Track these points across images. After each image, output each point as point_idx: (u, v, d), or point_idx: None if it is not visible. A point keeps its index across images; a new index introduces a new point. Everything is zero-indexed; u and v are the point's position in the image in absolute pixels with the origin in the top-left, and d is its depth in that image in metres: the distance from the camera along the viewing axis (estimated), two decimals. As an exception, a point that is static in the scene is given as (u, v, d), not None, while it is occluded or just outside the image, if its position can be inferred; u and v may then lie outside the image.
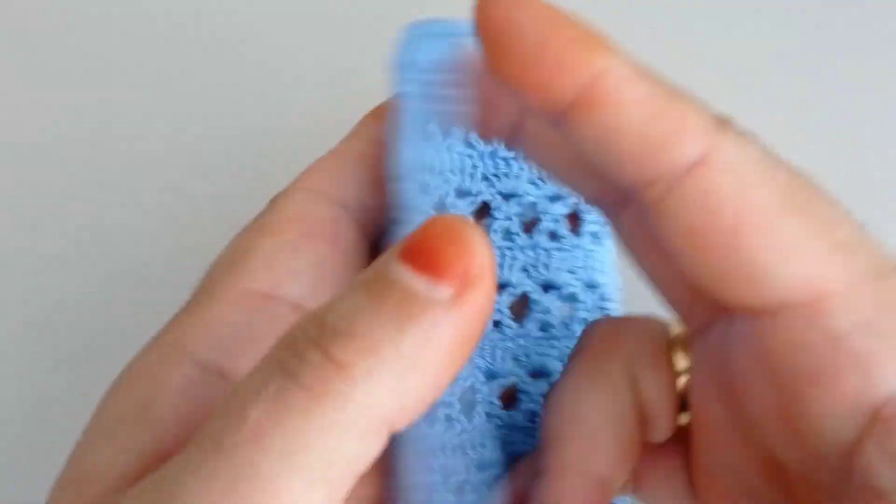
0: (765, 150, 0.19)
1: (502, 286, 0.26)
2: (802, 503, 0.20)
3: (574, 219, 0.27)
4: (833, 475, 0.19)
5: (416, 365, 0.17)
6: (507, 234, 0.26)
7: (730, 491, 0.22)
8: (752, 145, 0.19)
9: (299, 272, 0.22)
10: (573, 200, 0.27)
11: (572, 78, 0.18)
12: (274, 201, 0.24)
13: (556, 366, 0.26)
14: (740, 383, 0.20)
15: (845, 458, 0.18)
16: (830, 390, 0.18)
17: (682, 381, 0.23)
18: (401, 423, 0.17)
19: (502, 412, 0.25)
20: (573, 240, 0.27)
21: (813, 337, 0.18)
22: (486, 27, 0.18)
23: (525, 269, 0.26)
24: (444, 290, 0.17)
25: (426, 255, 0.17)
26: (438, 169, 0.24)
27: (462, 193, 0.25)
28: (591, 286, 0.27)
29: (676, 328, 0.24)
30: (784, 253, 0.18)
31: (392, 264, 0.17)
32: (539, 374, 0.26)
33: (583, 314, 0.26)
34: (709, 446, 0.22)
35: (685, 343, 0.23)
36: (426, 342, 0.17)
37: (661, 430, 0.23)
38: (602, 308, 0.27)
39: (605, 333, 0.24)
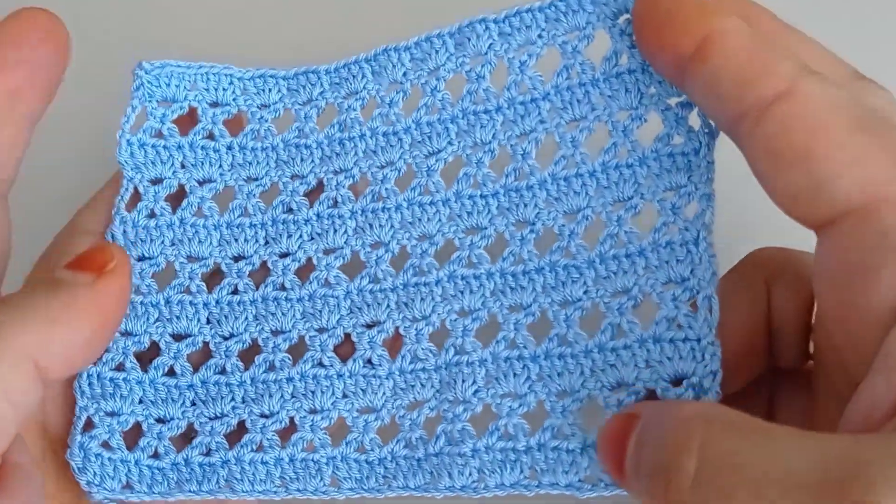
0: (855, 95, 0.22)
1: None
2: None
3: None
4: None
5: (59, 320, 0.24)
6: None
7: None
8: (838, 88, 0.22)
9: None
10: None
11: (692, 35, 0.23)
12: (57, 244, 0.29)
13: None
14: (819, 295, 0.23)
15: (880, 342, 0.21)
16: (874, 280, 0.21)
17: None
18: (53, 365, 0.24)
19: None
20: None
21: (865, 235, 0.21)
22: (637, 6, 0.25)
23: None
24: (84, 277, 0.26)
25: (78, 260, 0.26)
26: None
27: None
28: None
29: None
30: (847, 164, 0.21)
31: (57, 270, 0.26)
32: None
33: None
34: (823, 374, 0.25)
35: None
36: (68, 306, 0.25)
37: (789, 352, 0.27)
38: None
39: (760, 255, 0.27)
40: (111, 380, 0.29)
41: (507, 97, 0.29)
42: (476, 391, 0.27)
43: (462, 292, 0.28)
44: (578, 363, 0.26)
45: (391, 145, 0.30)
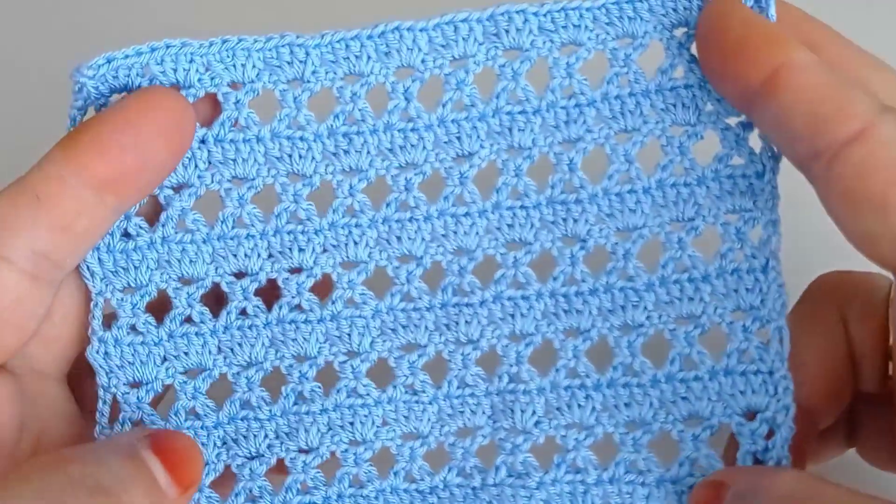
0: None
1: None
2: None
3: None
4: None
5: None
6: None
7: None
8: None
9: None
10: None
11: (760, 67, 0.22)
12: None
13: None
14: None
15: None
16: None
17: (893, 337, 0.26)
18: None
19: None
20: None
21: None
22: (703, 25, 0.24)
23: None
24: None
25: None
26: None
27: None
28: None
29: None
30: None
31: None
32: None
33: None
34: None
35: None
36: None
37: (871, 376, 0.26)
38: None
39: (828, 282, 0.27)
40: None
41: (549, 99, 0.26)
42: (537, 422, 0.26)
43: (512, 315, 0.26)
44: (646, 394, 0.26)
45: (412, 144, 0.26)
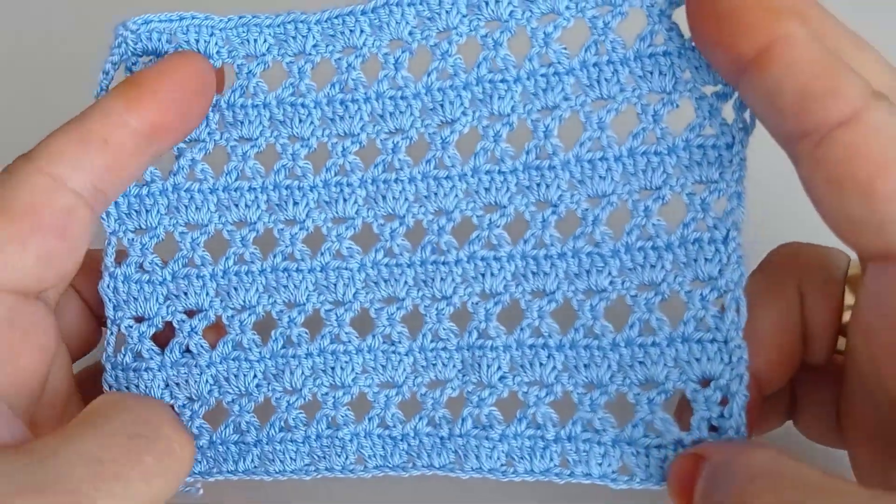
0: None
1: None
2: None
3: None
4: None
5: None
6: None
7: (869, 434, 0.25)
8: None
9: (25, 267, 0.25)
10: None
11: (756, 38, 0.22)
12: (9, 177, 0.25)
13: None
14: (868, 324, 0.23)
15: None
16: None
17: (847, 316, 0.26)
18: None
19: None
20: None
21: None
22: None
23: None
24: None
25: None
26: None
27: None
28: None
29: (858, 268, 0.26)
30: None
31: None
32: None
33: None
34: (855, 381, 0.25)
35: (858, 283, 0.25)
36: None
37: (819, 351, 0.27)
38: None
39: (786, 253, 0.27)
40: (134, 370, 0.29)
41: (527, 68, 0.27)
42: (501, 377, 0.27)
43: (483, 274, 0.28)
44: (605, 356, 0.27)
45: (400, 111, 0.28)
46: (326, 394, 0.29)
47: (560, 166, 0.27)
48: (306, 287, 0.29)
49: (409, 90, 0.28)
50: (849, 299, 0.26)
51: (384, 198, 0.28)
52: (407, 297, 0.28)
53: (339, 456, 0.28)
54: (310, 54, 0.29)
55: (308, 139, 0.29)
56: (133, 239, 0.29)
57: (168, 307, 0.29)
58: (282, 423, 0.29)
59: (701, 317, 0.26)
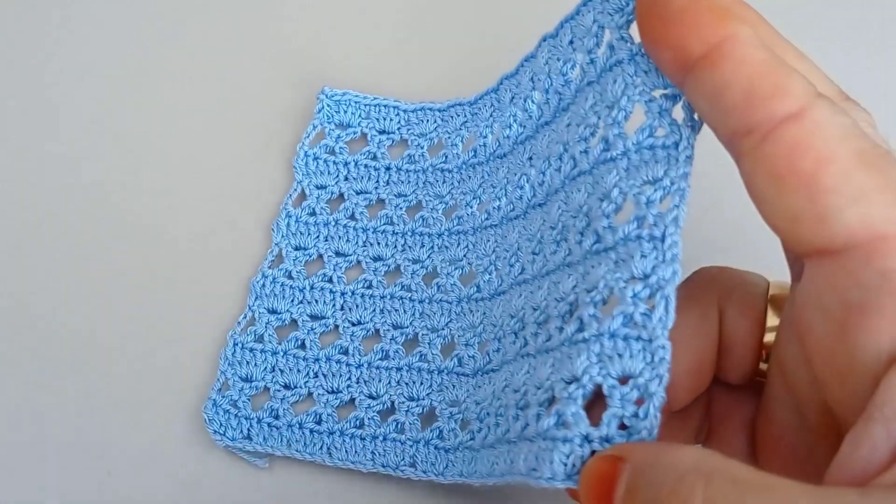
0: (856, 123, 0.21)
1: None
2: None
3: None
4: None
5: None
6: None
7: (787, 445, 0.24)
8: (844, 115, 0.21)
9: None
10: None
11: (704, 37, 0.22)
12: None
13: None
14: (805, 322, 0.22)
15: (874, 388, 0.20)
16: (872, 322, 0.20)
17: (770, 336, 0.26)
18: None
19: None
20: None
21: (866, 274, 0.20)
22: None
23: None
24: None
25: None
26: None
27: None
28: None
29: (779, 289, 0.26)
30: (852, 198, 0.20)
31: None
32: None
33: None
34: (780, 393, 0.25)
35: (781, 300, 0.26)
36: None
37: (738, 368, 0.27)
38: None
39: (709, 273, 0.28)
40: (251, 349, 0.35)
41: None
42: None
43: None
44: (550, 356, 0.26)
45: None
46: (402, 402, 0.33)
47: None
48: (412, 314, 0.34)
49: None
50: (771, 320, 0.26)
51: (477, 245, 0.34)
52: (480, 325, 0.33)
53: (398, 456, 0.32)
54: (459, 130, 0.37)
55: (444, 197, 0.36)
56: (290, 253, 0.37)
57: (299, 309, 0.36)
58: (357, 421, 0.33)
59: (630, 313, 0.24)
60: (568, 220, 0.28)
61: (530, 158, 0.31)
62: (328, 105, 0.39)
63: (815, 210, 0.21)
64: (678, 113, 0.25)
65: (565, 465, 0.23)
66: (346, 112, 0.39)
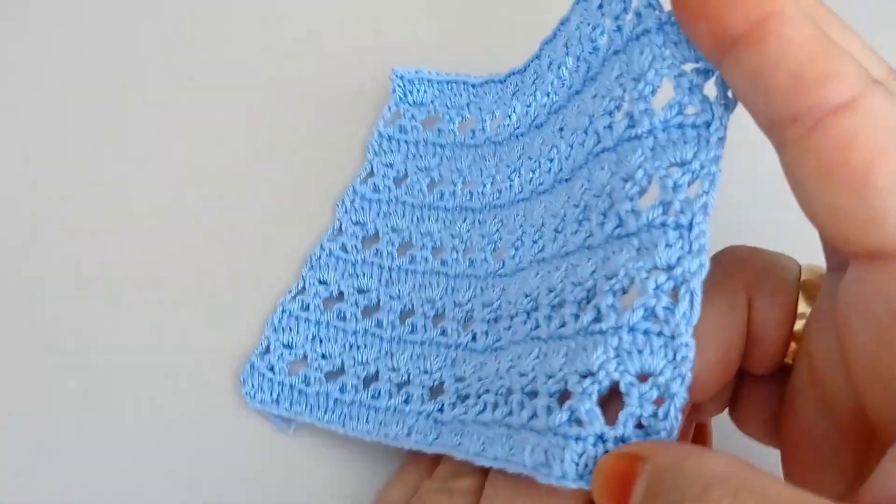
0: None
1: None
2: (874, 459, 0.20)
3: None
4: None
5: None
6: None
7: (812, 439, 0.23)
8: None
9: None
10: None
11: (747, 12, 0.20)
12: None
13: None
14: (847, 324, 0.21)
15: None
16: None
17: (799, 324, 0.24)
18: None
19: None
20: None
21: None
22: None
23: None
24: None
25: None
26: None
27: None
28: None
29: (810, 274, 0.25)
30: None
31: None
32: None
33: None
34: (810, 385, 0.23)
35: (812, 287, 0.24)
36: None
37: (766, 358, 0.25)
38: None
39: (737, 255, 0.26)
40: (297, 317, 0.35)
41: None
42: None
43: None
44: (564, 344, 0.25)
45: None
46: (416, 375, 0.32)
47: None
48: (442, 288, 0.34)
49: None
50: (801, 307, 0.24)
51: (504, 224, 0.33)
52: (497, 301, 0.32)
53: (397, 426, 0.31)
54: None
55: (490, 170, 0.35)
56: (349, 227, 0.37)
57: (348, 282, 0.35)
58: (376, 391, 0.33)
59: (651, 306, 0.22)
60: (591, 200, 0.26)
61: (561, 129, 0.30)
62: (399, 85, 0.39)
63: (866, 210, 0.19)
64: (710, 89, 0.23)
65: (577, 464, 0.22)
66: (419, 91, 0.39)
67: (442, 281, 0.34)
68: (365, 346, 0.34)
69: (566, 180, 0.29)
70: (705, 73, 0.23)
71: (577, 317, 0.25)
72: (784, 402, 0.25)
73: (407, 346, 0.33)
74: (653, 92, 0.24)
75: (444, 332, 0.33)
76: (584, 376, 0.23)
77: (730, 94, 0.23)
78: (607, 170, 0.25)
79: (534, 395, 0.25)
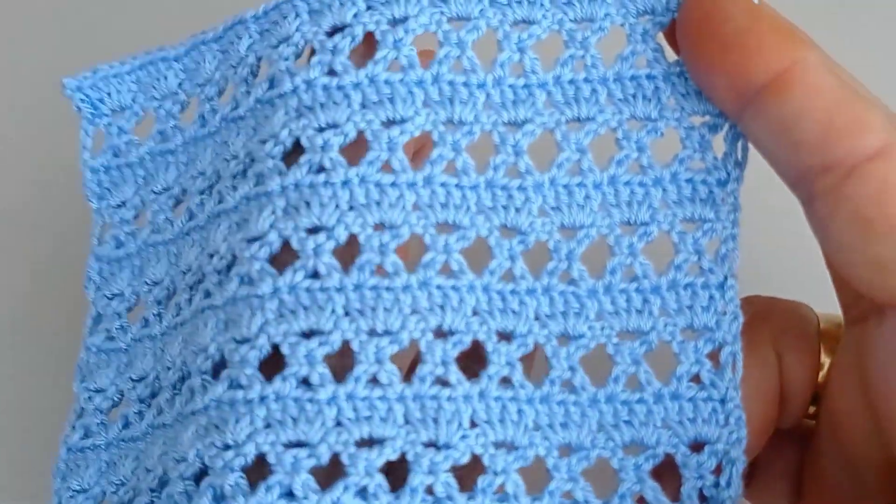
0: None
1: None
2: None
3: None
4: None
5: None
6: None
7: (838, 495, 0.23)
8: None
9: None
10: None
11: (769, 62, 0.19)
12: None
13: None
14: (878, 376, 0.20)
15: None
16: None
17: (820, 374, 0.24)
18: None
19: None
20: None
21: None
22: (693, 11, 0.21)
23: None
24: None
25: None
26: None
27: None
28: None
29: (828, 324, 0.24)
30: None
31: None
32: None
33: None
34: (834, 440, 0.23)
35: (830, 338, 0.24)
36: None
37: (792, 415, 0.24)
38: None
39: (759, 306, 0.24)
40: (81, 450, 0.26)
41: (495, 75, 0.23)
42: (463, 436, 0.22)
43: (440, 307, 0.23)
44: (584, 414, 0.22)
45: (334, 102, 0.23)
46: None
47: (532, 188, 0.23)
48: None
49: (349, 79, 0.23)
50: (822, 357, 0.24)
51: (308, 204, 0.23)
52: (335, 330, 0.22)
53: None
54: (246, 56, 0.25)
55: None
56: (106, 307, 0.27)
57: (122, 377, 0.26)
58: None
59: (694, 372, 0.22)
60: (553, 234, 0.23)
61: (449, 122, 0.24)
62: (82, 98, 0.26)
63: None
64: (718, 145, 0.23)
65: None
66: (110, 95, 0.26)
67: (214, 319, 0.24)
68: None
69: (497, 189, 0.24)
70: (715, 128, 0.23)
71: (583, 380, 0.23)
72: (806, 463, 0.24)
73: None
74: (654, 139, 0.23)
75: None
76: (627, 449, 0.22)
77: (740, 150, 0.22)
78: (589, 209, 0.23)
79: (542, 471, 0.22)
